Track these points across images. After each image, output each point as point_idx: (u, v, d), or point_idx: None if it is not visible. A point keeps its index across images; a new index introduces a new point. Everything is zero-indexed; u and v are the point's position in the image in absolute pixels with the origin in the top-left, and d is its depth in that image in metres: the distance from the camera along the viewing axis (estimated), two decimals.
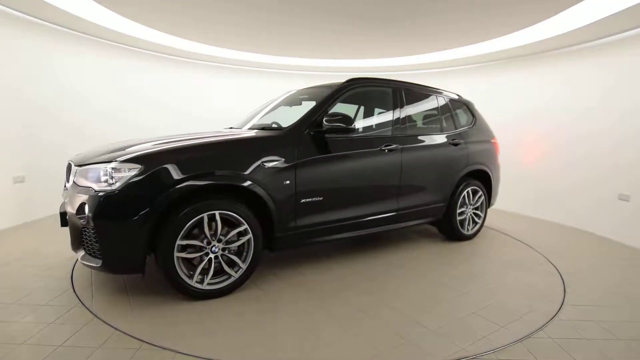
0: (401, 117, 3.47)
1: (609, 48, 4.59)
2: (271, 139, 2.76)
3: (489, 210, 4.37)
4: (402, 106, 3.49)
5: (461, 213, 3.94)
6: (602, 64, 4.69)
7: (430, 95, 3.89)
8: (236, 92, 7.18)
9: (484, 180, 4.19)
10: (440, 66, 6.68)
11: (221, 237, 2.45)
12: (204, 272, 2.45)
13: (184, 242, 2.32)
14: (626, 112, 4.38)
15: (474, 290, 2.79)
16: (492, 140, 4.34)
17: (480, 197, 4.10)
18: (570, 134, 5.10)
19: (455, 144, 3.83)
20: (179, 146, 2.45)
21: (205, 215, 2.36)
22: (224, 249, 2.48)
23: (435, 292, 2.73)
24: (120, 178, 2.22)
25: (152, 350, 1.90)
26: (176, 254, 2.30)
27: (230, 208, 2.44)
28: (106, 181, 2.24)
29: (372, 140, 3.26)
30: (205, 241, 2.41)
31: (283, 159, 2.65)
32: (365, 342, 2.04)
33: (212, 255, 2.43)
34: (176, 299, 2.46)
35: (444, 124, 3.90)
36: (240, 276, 2.56)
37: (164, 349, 1.91)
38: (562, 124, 5.21)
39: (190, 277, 2.40)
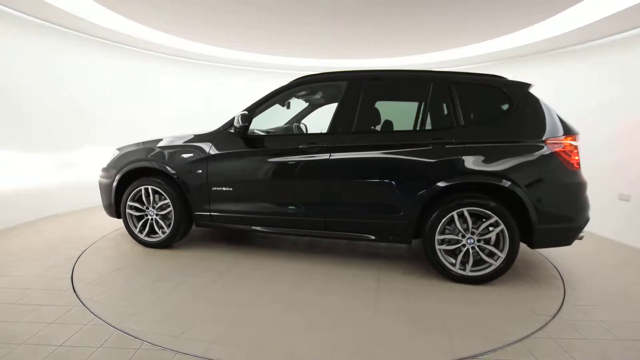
0: (346, 112, 3.05)
1: (609, 48, 4.59)
2: (195, 137, 3.38)
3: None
4: (356, 100, 3.05)
5: (447, 242, 2.87)
6: (606, 63, 4.68)
7: (418, 82, 3.14)
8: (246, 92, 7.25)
9: (510, 201, 2.78)
10: (448, 65, 6.66)
11: (154, 204, 3.39)
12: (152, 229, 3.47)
13: (132, 204, 3.44)
14: (628, 111, 4.37)
15: (471, 289, 2.78)
16: (550, 141, 2.78)
17: (496, 225, 2.75)
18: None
19: (443, 144, 2.82)
20: (134, 143, 3.59)
21: (142, 188, 3.39)
22: (157, 215, 3.41)
23: (427, 289, 2.73)
24: (112, 157, 3.63)
25: (152, 350, 1.91)
26: (127, 211, 3.47)
27: (154, 185, 3.35)
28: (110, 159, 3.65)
29: (293, 139, 3.41)
30: (145, 207, 3.44)
31: (198, 153, 3.28)
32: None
33: (149, 217, 3.43)
34: (176, 298, 2.47)
35: (430, 118, 3.01)
36: (166, 236, 3.41)
37: (164, 348, 1.92)
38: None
39: (135, 228, 3.50)
